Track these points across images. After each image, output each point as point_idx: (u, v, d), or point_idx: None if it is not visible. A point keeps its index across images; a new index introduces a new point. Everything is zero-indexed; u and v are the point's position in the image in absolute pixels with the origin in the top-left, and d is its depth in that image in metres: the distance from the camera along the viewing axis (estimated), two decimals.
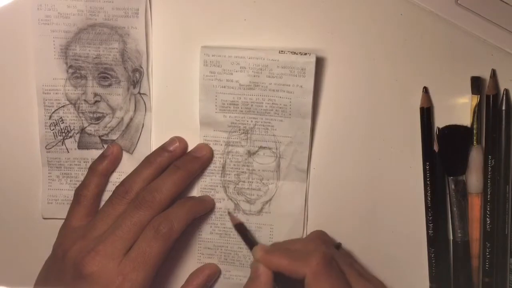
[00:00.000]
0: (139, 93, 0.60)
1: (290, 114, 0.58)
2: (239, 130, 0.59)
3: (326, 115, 0.59)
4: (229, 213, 0.60)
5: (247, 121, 0.59)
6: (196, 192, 0.60)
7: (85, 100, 0.60)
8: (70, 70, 0.59)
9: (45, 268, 0.57)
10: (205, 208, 0.59)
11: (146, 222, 0.55)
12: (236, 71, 0.58)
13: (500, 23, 0.57)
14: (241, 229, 0.59)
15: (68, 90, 0.59)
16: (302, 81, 0.57)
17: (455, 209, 0.58)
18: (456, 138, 0.58)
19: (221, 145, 0.59)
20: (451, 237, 0.59)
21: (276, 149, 0.59)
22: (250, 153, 0.59)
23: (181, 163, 0.58)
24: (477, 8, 0.57)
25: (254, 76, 0.57)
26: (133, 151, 0.60)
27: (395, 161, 0.59)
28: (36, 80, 0.59)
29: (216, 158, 0.60)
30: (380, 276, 0.59)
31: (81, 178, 0.60)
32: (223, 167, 0.60)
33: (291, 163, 0.59)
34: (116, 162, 0.60)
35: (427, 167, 0.58)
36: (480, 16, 0.57)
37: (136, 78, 0.59)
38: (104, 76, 0.59)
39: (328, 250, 0.53)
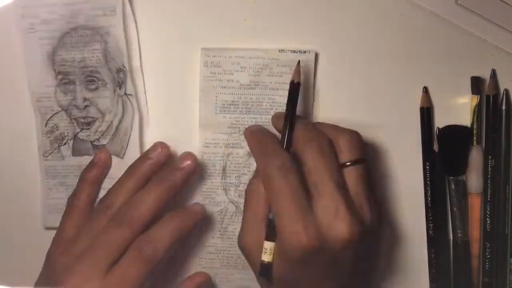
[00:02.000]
0: (125, 94, 0.59)
1: None
2: (239, 131, 0.59)
3: (325, 114, 0.59)
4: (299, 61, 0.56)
5: (248, 122, 0.58)
6: (197, 196, 0.60)
7: (75, 106, 0.59)
8: (59, 76, 0.58)
9: (40, 278, 0.57)
10: (194, 221, 0.57)
11: (126, 240, 0.53)
12: (237, 71, 0.57)
13: (500, 23, 0.56)
14: (295, 92, 0.55)
15: (59, 96, 0.59)
16: (302, 80, 0.57)
17: (455, 209, 0.58)
18: (456, 138, 0.58)
19: (221, 147, 0.59)
20: (451, 237, 0.59)
21: None
22: (251, 154, 0.59)
23: (164, 175, 0.56)
24: (477, 8, 0.56)
25: (255, 75, 0.57)
26: (123, 155, 0.59)
27: (395, 161, 0.59)
28: (29, 89, 0.59)
29: (216, 160, 0.59)
30: (380, 276, 0.59)
31: None
32: (224, 169, 0.59)
33: None
34: (105, 168, 0.59)
35: (427, 167, 0.58)
36: (480, 16, 0.56)
37: (120, 78, 0.58)
38: (91, 79, 0.58)
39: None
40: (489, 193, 0.57)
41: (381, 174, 0.59)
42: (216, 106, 0.58)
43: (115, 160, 0.59)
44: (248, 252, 0.53)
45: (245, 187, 0.56)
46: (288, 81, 0.56)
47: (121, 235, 0.53)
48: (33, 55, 0.58)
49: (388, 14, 0.57)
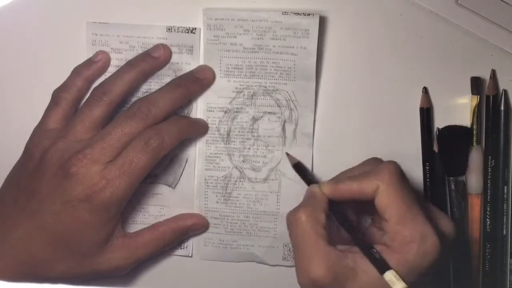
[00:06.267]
0: None
1: (294, 77, 0.58)
2: (244, 95, 0.59)
3: (326, 111, 0.59)
4: (287, 154, 0.58)
5: (252, 86, 0.58)
6: (201, 161, 0.60)
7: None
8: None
9: (16, 170, 0.57)
10: (198, 130, 0.59)
11: (136, 134, 0.54)
12: (240, 34, 0.57)
13: (500, 23, 0.56)
14: (300, 168, 0.57)
15: None
16: (306, 43, 0.57)
17: (455, 209, 0.58)
18: (456, 138, 0.58)
19: (225, 111, 0.59)
20: None
21: (281, 114, 0.58)
22: (255, 119, 0.59)
23: (182, 81, 0.57)
24: (477, 8, 0.56)
25: (258, 38, 0.57)
26: (175, 185, 0.60)
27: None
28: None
29: (221, 125, 0.59)
30: None
31: None
32: (228, 134, 0.59)
33: (296, 128, 0.58)
34: (104, 69, 0.59)
35: (427, 167, 0.58)
36: (480, 16, 0.56)
37: (184, 114, 0.59)
38: None
39: (399, 167, 0.51)
40: (489, 193, 0.57)
41: None
42: (220, 70, 0.58)
43: (166, 189, 0.60)
44: (332, 280, 0.48)
45: (249, 151, 0.58)
46: (292, 44, 0.57)
47: (133, 128, 0.54)
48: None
49: (388, 14, 0.57)
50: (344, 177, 0.53)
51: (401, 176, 0.50)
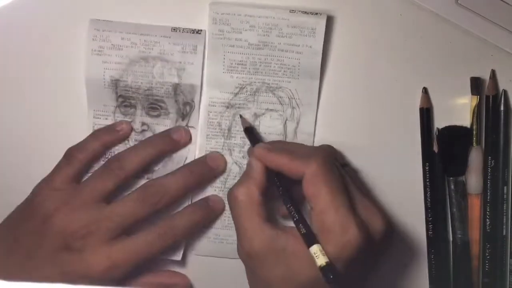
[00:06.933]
0: (187, 125, 0.59)
1: (298, 75, 0.57)
2: (246, 91, 0.58)
3: (327, 110, 0.59)
4: (240, 116, 0.58)
5: (255, 82, 0.58)
6: (201, 155, 0.59)
7: (132, 128, 0.59)
8: (120, 99, 0.58)
9: (16, 220, 0.56)
10: (211, 218, 0.59)
11: (141, 218, 0.55)
12: (246, 30, 0.57)
13: (500, 23, 0.56)
14: (250, 131, 0.58)
15: (118, 117, 0.59)
16: (312, 41, 0.57)
17: (455, 209, 0.58)
18: (455, 138, 0.58)
19: (227, 107, 0.59)
20: (451, 238, 0.59)
21: (283, 111, 0.58)
22: (257, 116, 0.59)
23: (196, 169, 0.57)
24: (477, 8, 0.56)
25: (264, 35, 0.57)
26: None
27: (395, 161, 0.59)
28: (88, 106, 0.59)
29: (222, 120, 0.59)
30: (380, 277, 0.59)
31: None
32: (229, 129, 0.59)
33: (298, 127, 0.58)
34: (123, 139, 0.58)
35: (427, 167, 0.58)
36: (480, 16, 0.57)
37: (186, 111, 0.59)
38: (154, 107, 0.59)
39: (331, 157, 0.53)
40: (489, 193, 0.57)
41: (381, 175, 0.59)
42: (224, 65, 0.58)
43: None
44: (262, 257, 0.51)
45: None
46: (298, 42, 0.57)
47: (142, 212, 0.54)
48: (95, 76, 0.58)
49: (388, 14, 0.57)
50: (282, 147, 0.54)
51: (329, 166, 0.51)
